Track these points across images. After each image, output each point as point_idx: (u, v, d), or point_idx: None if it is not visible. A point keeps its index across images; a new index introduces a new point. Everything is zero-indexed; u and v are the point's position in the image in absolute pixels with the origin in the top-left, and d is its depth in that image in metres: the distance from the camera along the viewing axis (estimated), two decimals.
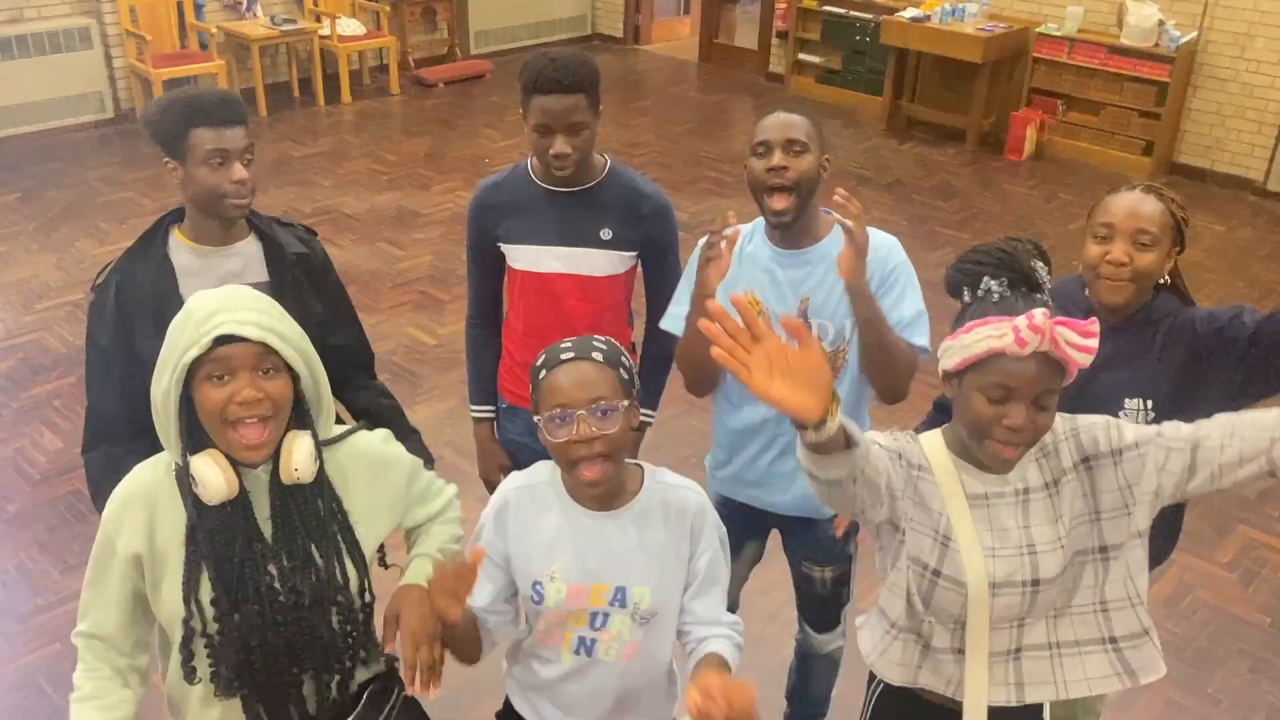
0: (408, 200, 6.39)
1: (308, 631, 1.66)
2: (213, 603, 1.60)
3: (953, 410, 1.73)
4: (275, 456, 1.64)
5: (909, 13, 7.60)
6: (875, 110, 8.08)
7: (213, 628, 1.61)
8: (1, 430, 4.15)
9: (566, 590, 1.78)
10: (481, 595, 1.81)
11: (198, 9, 7.49)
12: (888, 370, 2.16)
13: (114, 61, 7.34)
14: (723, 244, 2.06)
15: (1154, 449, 1.71)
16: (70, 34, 7.04)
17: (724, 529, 1.90)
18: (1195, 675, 3.21)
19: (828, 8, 8.30)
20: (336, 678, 1.73)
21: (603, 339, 1.78)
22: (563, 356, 1.72)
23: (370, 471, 1.78)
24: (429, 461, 2.10)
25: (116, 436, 2.12)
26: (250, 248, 2.22)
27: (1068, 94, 7.32)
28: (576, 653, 1.83)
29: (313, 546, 1.66)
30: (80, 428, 2.24)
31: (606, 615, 1.80)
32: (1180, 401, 2.06)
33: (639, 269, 2.53)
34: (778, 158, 2.10)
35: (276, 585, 1.63)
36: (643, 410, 2.50)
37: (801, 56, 8.63)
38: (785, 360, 1.38)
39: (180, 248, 2.18)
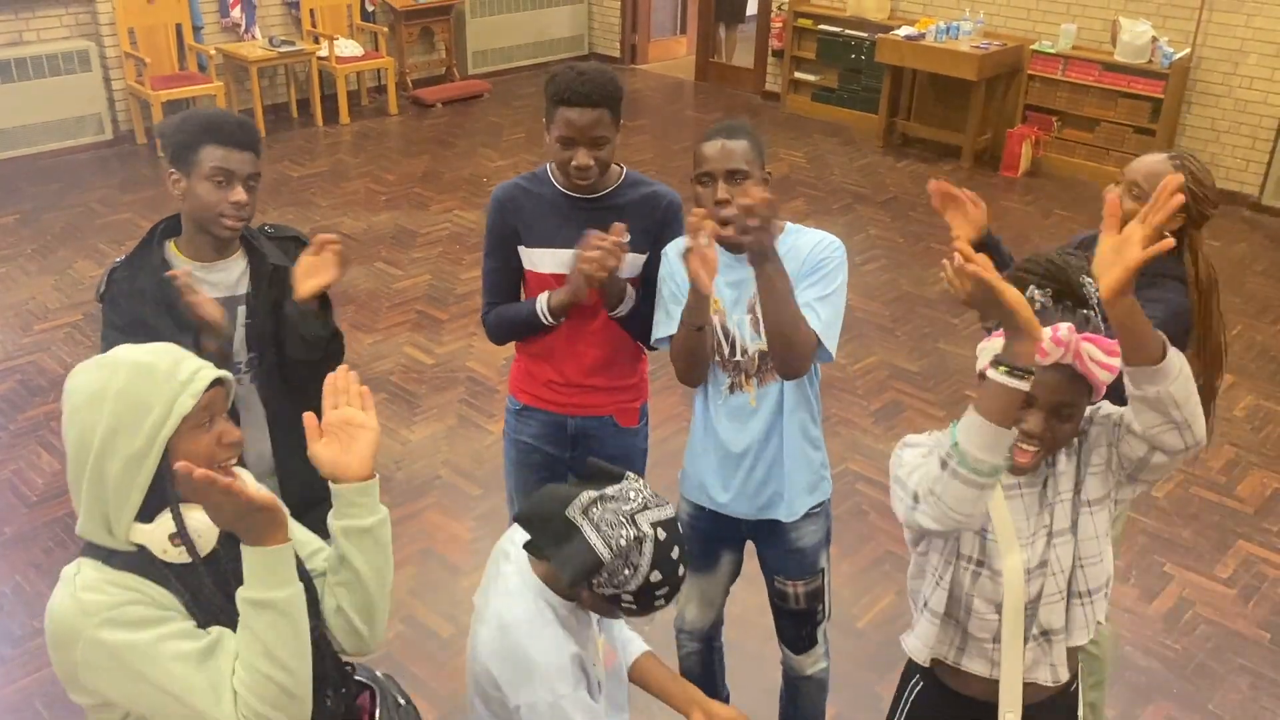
0: (405, 220, 6.41)
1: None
2: None
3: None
4: None
5: (904, 31, 7.64)
6: (871, 127, 8.11)
7: None
8: None
9: (600, 657, 1.88)
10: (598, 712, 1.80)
11: (196, 31, 7.53)
12: (784, 345, 2.20)
13: (113, 84, 7.37)
14: (702, 238, 2.09)
15: (1107, 425, 1.82)
16: (69, 57, 7.07)
17: None
18: (1195, 692, 3.20)
19: (823, 27, 8.34)
20: (338, 689, 1.72)
21: None
22: None
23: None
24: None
25: None
26: (241, 262, 2.31)
27: (1062, 110, 7.35)
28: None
29: None
30: None
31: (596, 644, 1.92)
32: None
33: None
34: (721, 190, 2.19)
35: None
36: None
37: (797, 75, 8.67)
38: None
39: (177, 262, 2.24)
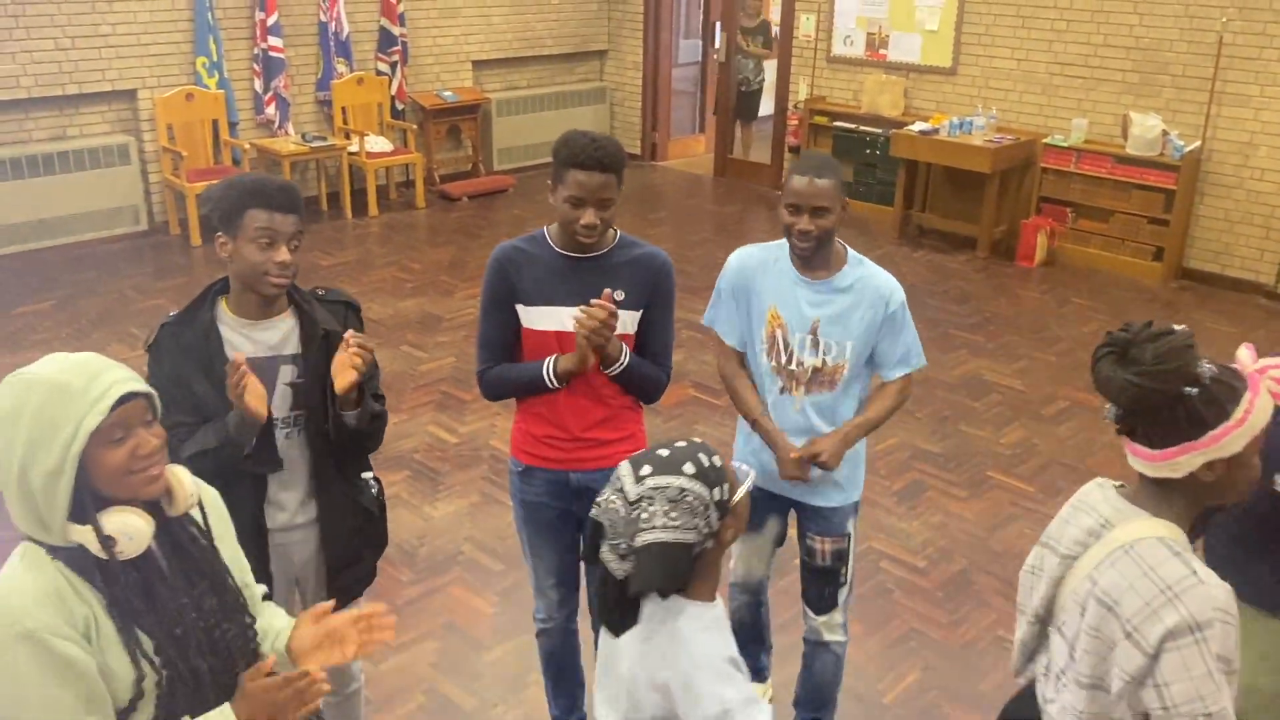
0: (431, 305, 6.54)
1: (235, 644, 1.72)
2: (156, 652, 1.62)
3: (1203, 490, 1.72)
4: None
5: (918, 126, 7.84)
6: (887, 220, 8.25)
7: (154, 676, 1.62)
8: None
9: None
10: None
11: (232, 127, 7.80)
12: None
13: (150, 177, 7.62)
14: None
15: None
16: (110, 150, 7.33)
17: None
18: None
19: (838, 123, 8.57)
20: None
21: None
22: None
23: (215, 509, 1.84)
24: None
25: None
26: (288, 322, 2.36)
27: (1076, 202, 7.48)
28: None
29: (205, 568, 1.73)
30: None
31: None
32: None
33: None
34: (805, 221, 2.58)
35: (194, 615, 1.68)
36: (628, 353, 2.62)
37: None
38: None
39: (227, 318, 2.33)
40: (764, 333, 2.73)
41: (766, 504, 2.86)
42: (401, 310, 6.45)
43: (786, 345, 2.66)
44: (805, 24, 8.81)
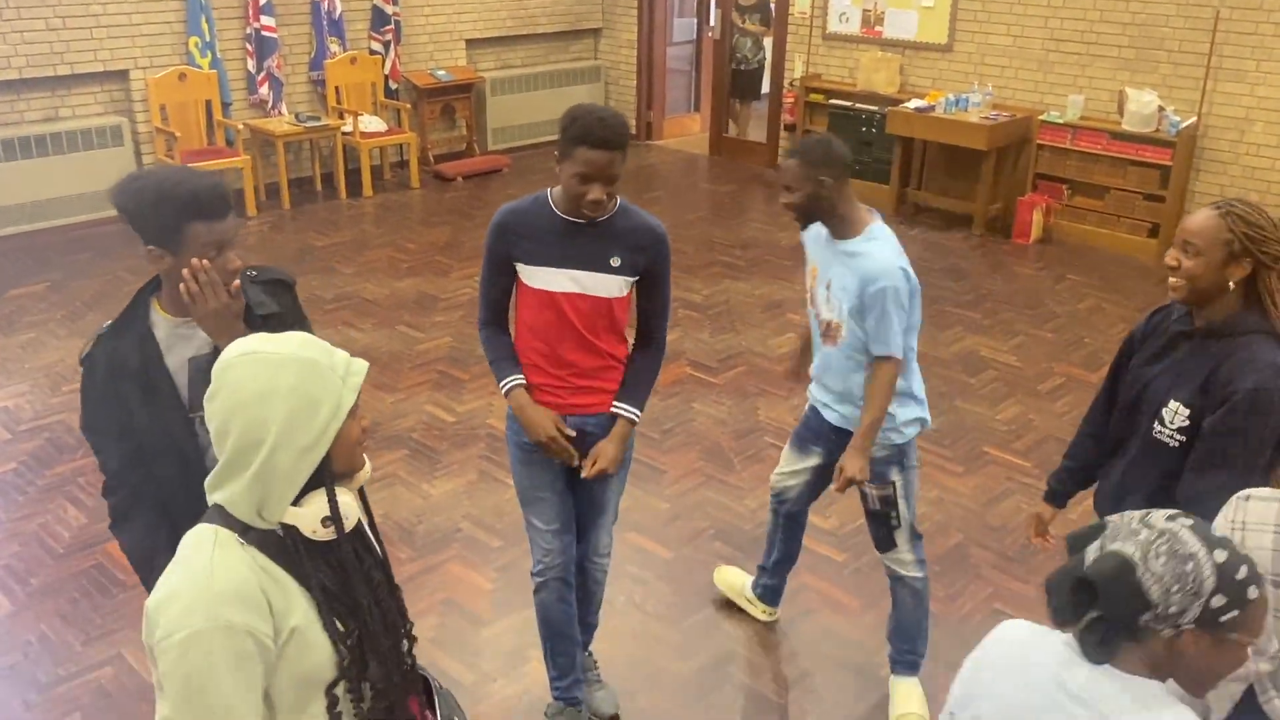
0: (427, 286, 6.53)
1: (389, 657, 1.69)
2: (345, 638, 1.59)
3: None
4: None
5: (914, 104, 7.82)
6: (883, 198, 8.23)
7: (349, 667, 1.59)
8: (27, 506, 4.20)
9: None
10: None
11: (225, 107, 7.76)
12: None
13: (143, 157, 7.58)
14: None
15: None
16: (103, 131, 7.30)
17: None
18: None
19: (834, 101, 8.54)
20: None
21: None
22: None
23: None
24: None
25: (138, 488, 2.19)
26: None
27: (1072, 179, 7.48)
28: None
29: (380, 559, 1.73)
30: (104, 504, 2.30)
31: None
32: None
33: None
34: (782, 196, 2.87)
35: (376, 613, 1.66)
36: (629, 408, 2.81)
37: None
38: None
39: (160, 321, 2.17)
40: (809, 285, 3.04)
41: (816, 429, 3.19)
42: (398, 290, 6.45)
43: (814, 297, 2.98)
44: (801, 1, 8.77)
